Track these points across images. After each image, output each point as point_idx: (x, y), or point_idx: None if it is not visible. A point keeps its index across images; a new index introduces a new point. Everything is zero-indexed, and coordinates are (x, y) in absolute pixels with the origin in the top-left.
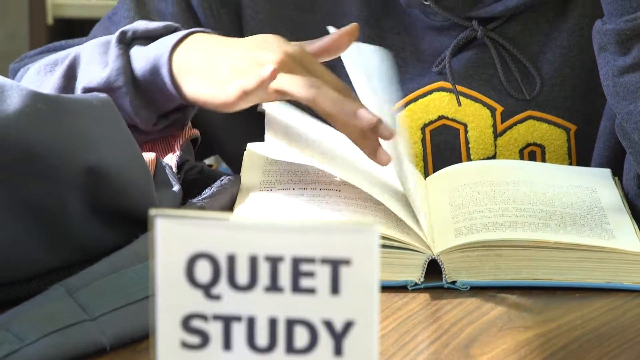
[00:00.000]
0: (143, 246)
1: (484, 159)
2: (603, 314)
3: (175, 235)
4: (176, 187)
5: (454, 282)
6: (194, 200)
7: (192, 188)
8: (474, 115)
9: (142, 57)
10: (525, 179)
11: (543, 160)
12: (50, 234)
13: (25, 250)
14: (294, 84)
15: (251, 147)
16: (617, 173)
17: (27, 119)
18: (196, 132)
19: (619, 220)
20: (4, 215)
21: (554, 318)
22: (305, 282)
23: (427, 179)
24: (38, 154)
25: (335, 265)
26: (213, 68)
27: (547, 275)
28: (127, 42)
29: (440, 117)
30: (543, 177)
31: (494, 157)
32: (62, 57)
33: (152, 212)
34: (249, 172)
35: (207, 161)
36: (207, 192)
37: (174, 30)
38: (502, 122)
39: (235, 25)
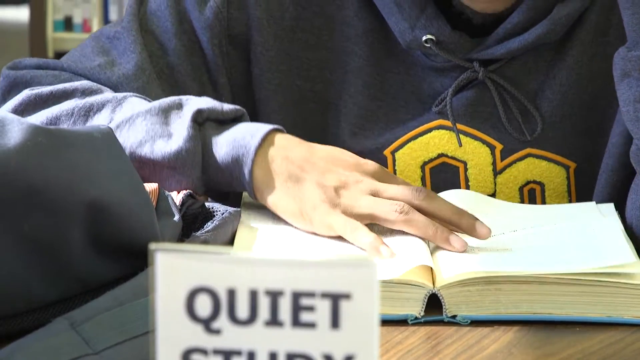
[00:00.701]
0: (147, 280)
1: None
2: (604, 348)
3: (175, 269)
4: (177, 217)
5: (454, 316)
6: (197, 233)
7: (193, 222)
8: (473, 153)
9: (221, 146)
10: (525, 217)
11: (543, 198)
12: (51, 267)
13: (26, 283)
14: (384, 210)
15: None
16: (619, 209)
17: (27, 152)
18: (204, 198)
19: (620, 253)
20: (4, 249)
21: (554, 352)
22: (305, 317)
23: None
24: (39, 188)
25: (336, 299)
26: (298, 187)
27: (547, 309)
28: (200, 122)
29: (440, 155)
30: (544, 216)
31: (493, 195)
32: (97, 103)
33: (153, 246)
34: (249, 205)
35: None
36: (209, 225)
37: (242, 114)
38: (502, 159)
39: (243, 62)
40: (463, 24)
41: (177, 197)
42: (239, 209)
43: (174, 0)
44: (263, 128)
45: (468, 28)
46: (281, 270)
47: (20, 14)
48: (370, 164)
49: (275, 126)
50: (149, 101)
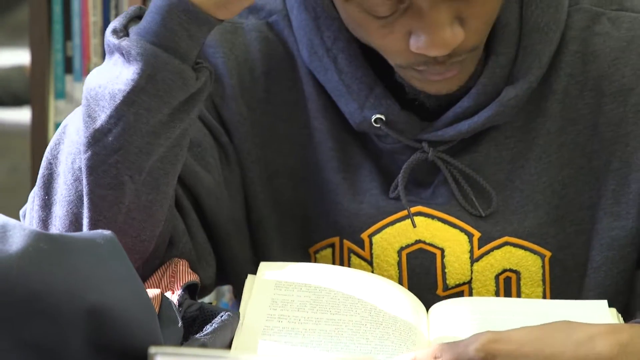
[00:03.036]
0: None
1: (459, 284)
2: None
3: None
4: (180, 324)
5: None
6: (197, 336)
7: (192, 325)
8: (451, 240)
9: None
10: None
11: (518, 286)
12: None
13: None
14: None
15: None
16: (623, 301)
17: (29, 258)
18: (196, 277)
19: None
20: (4, 355)
21: None
22: None
23: (429, 311)
24: (40, 294)
25: None
26: None
27: None
28: (124, 34)
29: (418, 241)
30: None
31: (469, 282)
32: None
33: (152, 349)
34: (252, 303)
35: (207, 299)
36: (208, 328)
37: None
38: (479, 247)
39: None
40: (413, 107)
41: (172, 296)
42: (237, 312)
43: None
44: None
45: (419, 111)
46: None
47: (22, 116)
48: None
49: None
50: None
